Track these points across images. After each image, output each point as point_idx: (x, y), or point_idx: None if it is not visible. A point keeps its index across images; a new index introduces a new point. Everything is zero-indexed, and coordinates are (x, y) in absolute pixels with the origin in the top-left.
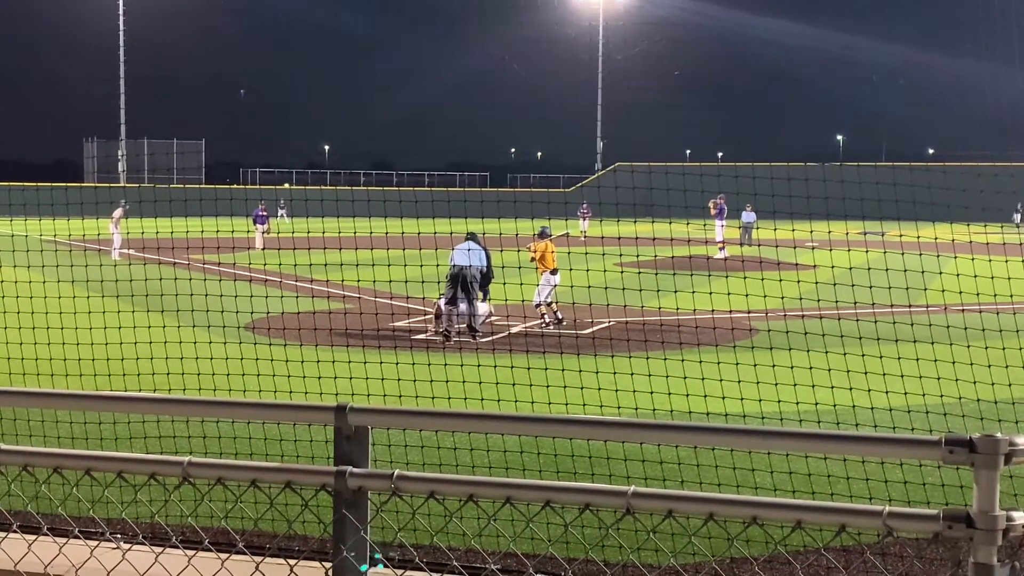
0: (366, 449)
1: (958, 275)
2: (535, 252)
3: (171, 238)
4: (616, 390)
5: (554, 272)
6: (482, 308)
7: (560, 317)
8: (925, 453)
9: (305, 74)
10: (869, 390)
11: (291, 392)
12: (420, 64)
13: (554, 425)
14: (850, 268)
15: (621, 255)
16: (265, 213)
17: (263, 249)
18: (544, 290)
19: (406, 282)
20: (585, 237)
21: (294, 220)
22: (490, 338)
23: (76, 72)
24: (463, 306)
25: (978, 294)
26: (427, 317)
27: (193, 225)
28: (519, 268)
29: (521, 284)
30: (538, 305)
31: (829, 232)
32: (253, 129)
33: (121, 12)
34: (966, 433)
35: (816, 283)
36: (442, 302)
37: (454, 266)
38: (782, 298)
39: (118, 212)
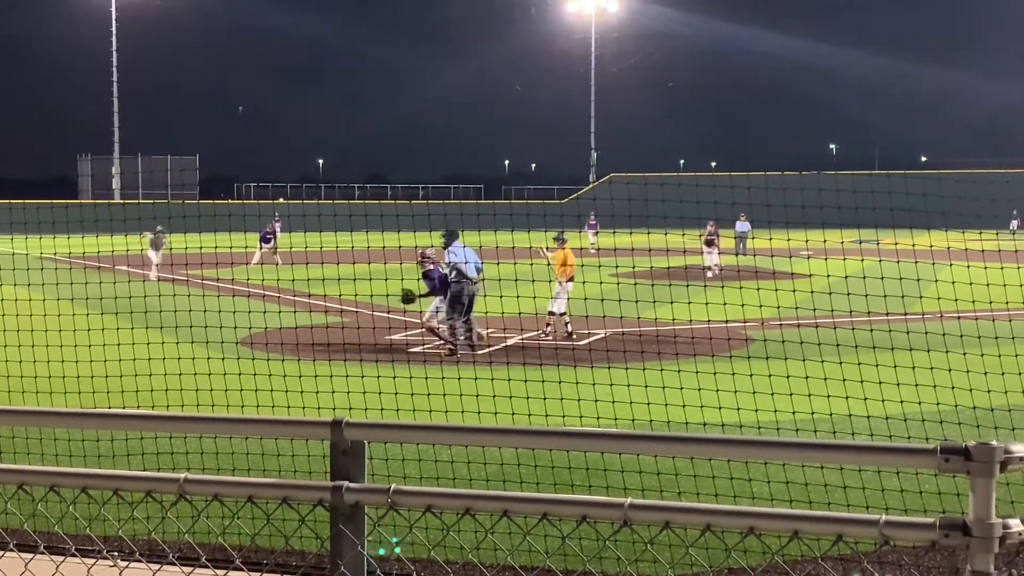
0: (363, 464)
1: (953, 282)
2: (561, 254)
3: (170, 254)
4: (612, 401)
5: (570, 280)
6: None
7: (570, 331)
8: (921, 461)
9: (299, 89)
10: (865, 399)
11: (288, 407)
12: (414, 78)
13: (551, 437)
14: (845, 276)
15: (617, 266)
16: (271, 235)
17: (261, 264)
18: (561, 300)
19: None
20: (596, 250)
21: (291, 234)
22: (487, 350)
23: (71, 89)
24: (466, 320)
25: (973, 301)
26: (423, 331)
27: (191, 241)
28: (515, 280)
29: (517, 297)
30: (551, 313)
31: (824, 241)
32: (248, 144)
33: (114, 30)
34: (962, 441)
35: (811, 292)
36: (438, 319)
37: (458, 282)
38: (777, 307)
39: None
